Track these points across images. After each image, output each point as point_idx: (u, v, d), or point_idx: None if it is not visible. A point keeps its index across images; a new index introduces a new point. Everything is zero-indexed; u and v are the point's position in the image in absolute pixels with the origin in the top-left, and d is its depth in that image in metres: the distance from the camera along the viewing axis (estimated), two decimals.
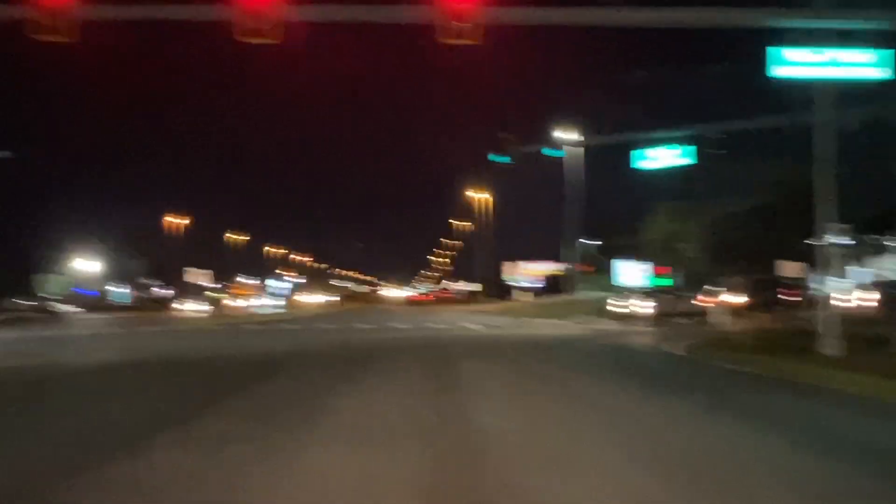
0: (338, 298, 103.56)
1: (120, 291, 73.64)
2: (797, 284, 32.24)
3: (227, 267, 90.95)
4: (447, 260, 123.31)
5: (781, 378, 12.55)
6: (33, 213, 76.13)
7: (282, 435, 7.70)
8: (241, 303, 71.20)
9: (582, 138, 33.23)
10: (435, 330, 31.10)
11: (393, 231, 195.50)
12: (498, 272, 76.19)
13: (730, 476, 6.10)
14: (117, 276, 74.34)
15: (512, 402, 10.44)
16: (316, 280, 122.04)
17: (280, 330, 33.55)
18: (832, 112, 16.65)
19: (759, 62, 15.48)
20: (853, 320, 18.32)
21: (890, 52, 15.25)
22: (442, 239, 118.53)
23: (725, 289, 31.33)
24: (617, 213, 56.15)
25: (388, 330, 31.69)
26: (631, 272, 46.04)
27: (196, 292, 70.45)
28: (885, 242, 42.95)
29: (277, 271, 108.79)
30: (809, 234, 18.67)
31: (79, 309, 54.00)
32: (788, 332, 20.61)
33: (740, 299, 29.95)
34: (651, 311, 31.90)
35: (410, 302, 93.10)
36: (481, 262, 77.53)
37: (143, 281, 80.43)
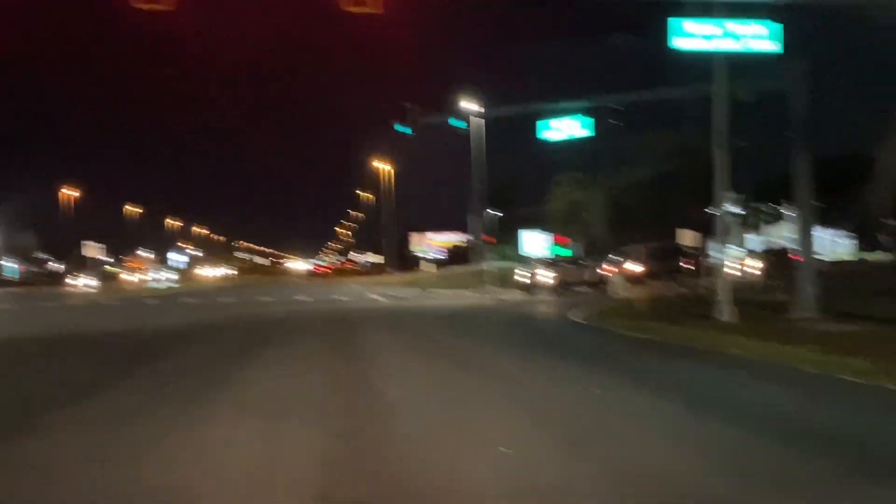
0: (234, 272, 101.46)
1: (9, 265, 70.06)
2: (696, 252, 33.19)
3: (127, 240, 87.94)
4: (352, 232, 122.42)
5: (680, 345, 12.82)
6: None
7: (182, 409, 7.74)
8: (137, 277, 68.92)
9: (483, 110, 33.12)
10: (341, 302, 30.67)
11: (300, 203, 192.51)
12: (404, 243, 76.06)
13: (626, 430, 6.62)
14: (8, 250, 70.70)
15: (416, 373, 10.38)
16: (218, 253, 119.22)
17: (180, 304, 32.46)
18: (728, 84, 17.05)
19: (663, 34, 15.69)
20: (745, 286, 18.99)
21: (779, 26, 15.72)
22: (349, 211, 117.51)
23: (627, 257, 31.89)
24: (524, 183, 56.77)
25: (292, 303, 31.09)
26: (535, 242, 46.68)
27: (92, 266, 67.77)
28: (781, 210, 44.91)
29: (179, 244, 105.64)
30: (710, 203, 19.17)
31: None
32: (686, 299, 21.22)
33: (641, 268, 30.57)
34: (552, 281, 32.25)
35: (312, 274, 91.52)
36: (387, 234, 77.08)
37: (38, 255, 76.88)
